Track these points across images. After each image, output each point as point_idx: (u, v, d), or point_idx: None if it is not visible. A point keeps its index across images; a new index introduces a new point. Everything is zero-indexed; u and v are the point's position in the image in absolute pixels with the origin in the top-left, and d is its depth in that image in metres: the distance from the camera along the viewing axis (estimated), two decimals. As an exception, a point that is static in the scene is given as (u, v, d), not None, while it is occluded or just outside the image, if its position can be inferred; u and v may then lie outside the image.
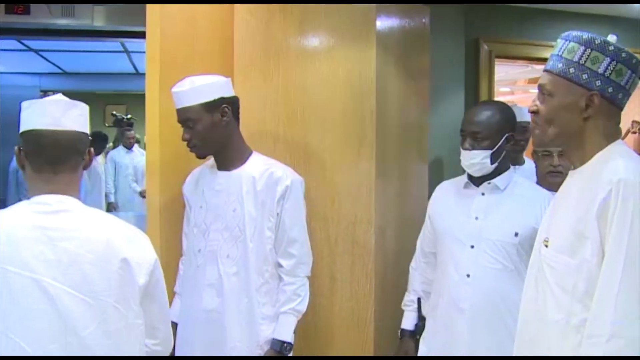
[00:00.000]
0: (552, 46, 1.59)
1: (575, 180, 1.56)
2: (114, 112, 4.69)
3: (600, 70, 1.47)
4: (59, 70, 7.37)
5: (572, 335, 1.43)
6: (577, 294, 1.43)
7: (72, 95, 2.49)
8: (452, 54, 3.52)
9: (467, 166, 2.24)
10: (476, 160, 2.20)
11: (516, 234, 2.16)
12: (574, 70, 1.50)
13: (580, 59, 1.49)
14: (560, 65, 1.52)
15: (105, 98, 8.66)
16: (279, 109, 2.59)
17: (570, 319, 1.43)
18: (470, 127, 2.23)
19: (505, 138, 2.21)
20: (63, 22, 3.75)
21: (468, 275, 2.19)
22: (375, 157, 2.51)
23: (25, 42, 4.72)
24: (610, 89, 1.48)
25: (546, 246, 1.54)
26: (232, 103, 2.23)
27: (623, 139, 1.54)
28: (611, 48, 1.47)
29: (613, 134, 1.52)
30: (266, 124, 2.60)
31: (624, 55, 1.47)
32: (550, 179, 2.64)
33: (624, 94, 1.50)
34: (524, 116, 3.19)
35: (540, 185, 2.65)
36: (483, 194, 2.25)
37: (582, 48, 1.49)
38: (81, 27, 3.75)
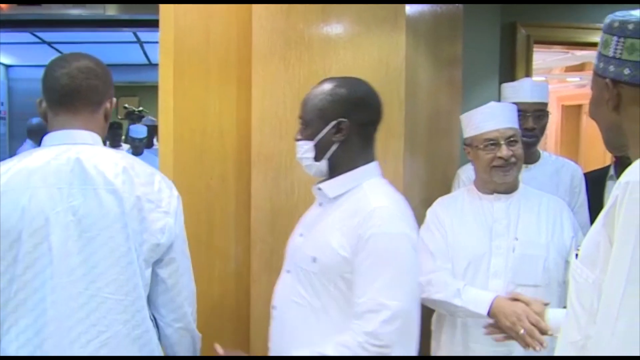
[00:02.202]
0: (597, 29, 1.49)
1: None
2: (126, 105, 4.70)
3: (611, 54, 1.34)
4: (72, 62, 7.42)
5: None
6: (593, 314, 1.27)
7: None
8: (487, 40, 3.46)
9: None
10: (300, 154, 1.84)
11: (314, 260, 1.74)
12: (596, 62, 1.40)
13: (600, 47, 1.38)
14: (595, 60, 1.42)
15: (118, 90, 8.70)
16: (301, 101, 2.55)
17: (587, 342, 1.29)
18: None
19: (334, 126, 1.77)
20: (75, 12, 3.77)
21: (274, 308, 1.89)
22: (404, 152, 2.46)
23: (37, 34, 4.77)
24: (626, 71, 1.31)
25: (577, 255, 1.38)
26: None
27: None
28: (616, 25, 1.33)
29: None
30: (287, 116, 2.57)
31: (630, 27, 1.30)
32: (497, 177, 2.27)
33: None
34: (519, 96, 2.70)
35: (481, 187, 2.32)
36: (321, 204, 1.87)
37: (601, 35, 1.38)
38: (93, 17, 3.77)
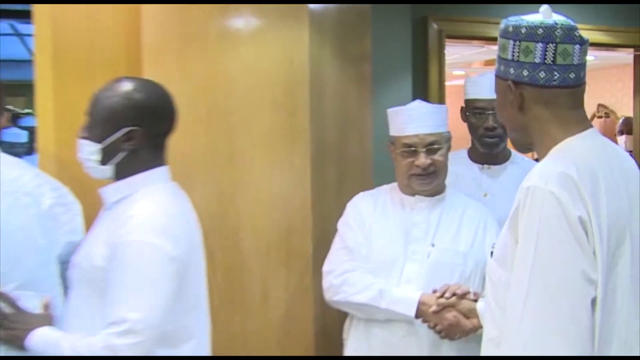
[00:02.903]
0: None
1: None
2: (9, 107, 4.46)
3: (509, 57, 1.48)
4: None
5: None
6: (506, 311, 1.41)
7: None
8: (397, 35, 3.46)
9: None
10: (83, 154, 1.79)
11: (76, 267, 1.78)
12: (497, 65, 1.54)
13: (498, 51, 1.52)
14: (496, 64, 1.57)
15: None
16: (198, 103, 2.46)
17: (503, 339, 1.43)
18: None
19: (126, 134, 1.73)
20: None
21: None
22: (311, 155, 2.46)
23: None
24: (525, 72, 1.46)
25: (492, 254, 1.52)
26: None
27: (591, 125, 1.54)
28: (510, 29, 1.47)
29: (570, 122, 1.47)
30: (183, 120, 2.46)
31: (523, 31, 1.45)
32: (416, 185, 2.23)
33: (546, 71, 1.44)
34: (477, 92, 2.59)
35: (403, 189, 2.29)
36: (107, 208, 1.84)
37: (499, 39, 1.52)
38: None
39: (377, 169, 3.02)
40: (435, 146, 2.21)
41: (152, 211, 1.71)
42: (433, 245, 2.21)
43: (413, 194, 2.27)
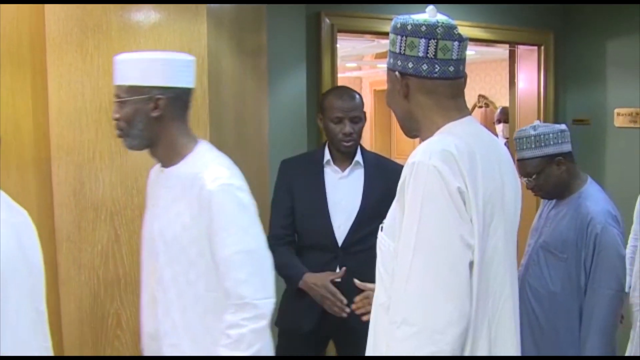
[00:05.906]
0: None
1: None
2: None
3: (397, 50, 1.59)
4: None
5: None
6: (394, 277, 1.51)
7: None
8: (292, 29, 3.57)
9: None
10: None
11: None
12: (388, 58, 1.65)
13: (389, 45, 1.63)
14: (387, 57, 1.68)
15: None
16: (101, 92, 2.51)
17: (390, 302, 1.52)
18: None
19: None
20: None
21: None
22: (210, 141, 2.42)
23: None
24: (410, 65, 1.57)
25: (382, 229, 1.64)
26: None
27: (470, 113, 1.69)
28: (399, 26, 1.58)
29: (449, 109, 1.59)
30: (86, 108, 2.52)
31: (409, 28, 1.56)
32: None
33: (428, 64, 1.55)
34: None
35: None
36: None
37: (390, 34, 1.63)
38: None
39: (272, 154, 3.13)
40: None
41: None
42: None
43: None
